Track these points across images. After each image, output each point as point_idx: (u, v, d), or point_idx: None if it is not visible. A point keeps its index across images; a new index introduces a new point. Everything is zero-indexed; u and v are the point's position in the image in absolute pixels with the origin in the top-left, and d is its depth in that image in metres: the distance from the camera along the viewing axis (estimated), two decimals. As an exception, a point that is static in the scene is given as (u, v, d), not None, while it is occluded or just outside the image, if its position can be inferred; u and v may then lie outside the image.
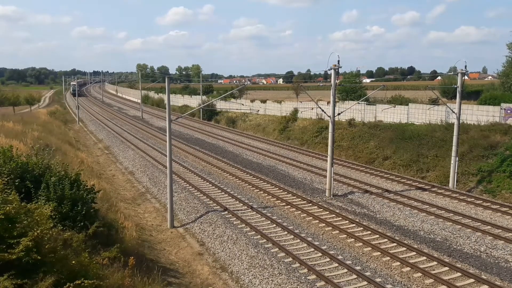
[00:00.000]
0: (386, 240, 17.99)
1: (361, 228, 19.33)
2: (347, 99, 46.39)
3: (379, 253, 16.70)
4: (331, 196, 24.38)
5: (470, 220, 20.22)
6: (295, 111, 47.96)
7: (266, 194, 24.72)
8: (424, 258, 16.22)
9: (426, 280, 14.54)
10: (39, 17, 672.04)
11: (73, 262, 10.13)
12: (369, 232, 18.88)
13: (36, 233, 9.59)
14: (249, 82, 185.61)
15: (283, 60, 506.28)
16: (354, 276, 14.75)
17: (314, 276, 14.73)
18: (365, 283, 14.28)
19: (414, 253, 16.68)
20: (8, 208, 9.82)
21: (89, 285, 9.35)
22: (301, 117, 46.93)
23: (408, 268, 15.37)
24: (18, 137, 28.58)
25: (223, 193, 24.90)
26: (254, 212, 21.42)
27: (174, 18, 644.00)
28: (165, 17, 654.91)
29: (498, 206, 22.37)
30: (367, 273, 14.96)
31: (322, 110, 28.19)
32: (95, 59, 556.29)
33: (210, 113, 63.50)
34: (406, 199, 23.73)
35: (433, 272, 14.98)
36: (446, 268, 15.35)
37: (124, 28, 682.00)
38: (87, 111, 79.69)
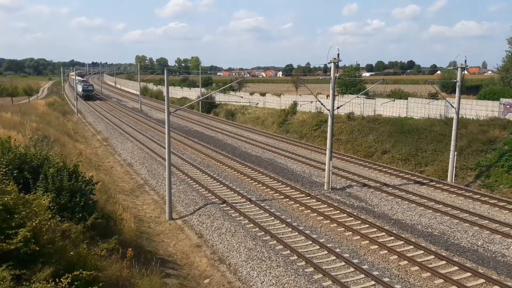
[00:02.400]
0: (384, 233, 18.04)
1: (359, 222, 19.38)
2: (347, 93, 46.28)
3: (376, 246, 16.76)
4: (330, 189, 24.41)
5: (468, 215, 20.28)
6: (294, 104, 47.87)
7: (265, 187, 24.74)
8: (422, 252, 16.29)
9: (423, 273, 14.61)
10: (37, 7, 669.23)
11: (71, 253, 10.15)
12: (367, 225, 18.93)
13: (34, 224, 9.59)
14: (248, 75, 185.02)
15: (282, 53, 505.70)
16: (352, 269, 14.81)
17: (311, 269, 14.79)
18: (363, 276, 14.35)
19: (412, 246, 16.74)
20: (6, 198, 9.82)
21: (87, 276, 9.38)
22: (300, 111, 46.85)
23: (406, 262, 15.43)
24: (16, 128, 28.50)
25: (222, 185, 24.91)
26: (253, 205, 21.44)
27: (173, 9, 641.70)
28: (164, 8, 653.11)
29: (496, 201, 22.43)
30: (365, 266, 15.02)
31: (322, 104, 28.13)
32: (93, 50, 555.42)
33: (209, 106, 63.35)
34: (404, 193, 23.78)
35: (430, 265, 15.05)
36: (443, 262, 15.42)
37: (123, 19, 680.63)
38: (85, 103, 79.38)
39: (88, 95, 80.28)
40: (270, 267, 14.98)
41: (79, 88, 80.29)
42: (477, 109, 31.66)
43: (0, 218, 9.55)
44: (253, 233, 17.92)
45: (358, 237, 17.69)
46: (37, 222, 9.71)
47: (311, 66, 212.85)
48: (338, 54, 23.07)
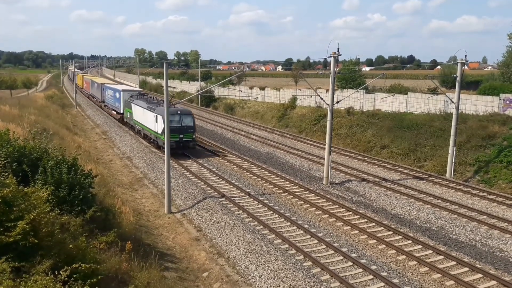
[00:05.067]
0: (382, 228, 18.10)
1: (358, 216, 19.43)
2: (346, 87, 46.23)
3: (375, 241, 16.81)
4: (329, 184, 24.45)
5: (466, 210, 20.34)
6: (294, 98, 47.80)
7: (264, 181, 24.77)
8: (420, 246, 16.34)
9: (421, 268, 14.67)
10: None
11: (70, 246, 10.17)
12: (366, 220, 18.98)
13: (33, 216, 9.59)
14: (248, 69, 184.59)
15: (282, 47, 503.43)
16: (350, 263, 14.86)
17: (310, 263, 14.84)
18: (361, 270, 14.40)
19: (410, 241, 16.80)
20: (5, 191, 9.81)
21: (86, 269, 9.41)
22: (299, 105, 46.80)
23: (404, 256, 15.49)
24: (15, 121, 28.41)
25: (221, 179, 24.93)
26: (252, 199, 21.47)
27: (173, 2, 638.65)
28: (164, 1, 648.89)
29: (494, 196, 22.49)
30: (363, 261, 15.08)
31: (321, 98, 28.09)
32: (93, 43, 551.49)
33: (208, 100, 63.25)
34: (403, 188, 23.82)
35: (428, 260, 15.11)
36: (441, 257, 15.48)
37: (122, 12, 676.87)
38: (84, 96, 79.09)
39: (186, 143, 30.15)
40: (269, 261, 15.03)
41: (155, 123, 31.07)
42: (477, 104, 31.64)
43: (-1, 210, 9.56)
44: (251, 227, 17.96)
45: (357, 231, 17.74)
46: (35, 214, 9.71)
47: (311, 61, 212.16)
48: (338, 49, 23.03)
